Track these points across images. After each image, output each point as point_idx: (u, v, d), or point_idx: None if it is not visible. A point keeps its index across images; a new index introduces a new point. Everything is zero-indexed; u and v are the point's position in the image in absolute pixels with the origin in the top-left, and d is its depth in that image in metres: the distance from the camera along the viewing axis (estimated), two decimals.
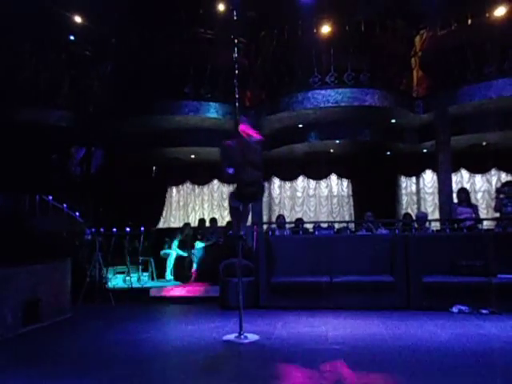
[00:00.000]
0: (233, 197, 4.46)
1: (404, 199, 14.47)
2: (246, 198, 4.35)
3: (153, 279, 8.94)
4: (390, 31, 10.99)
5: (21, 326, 4.91)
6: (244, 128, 4.33)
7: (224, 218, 13.29)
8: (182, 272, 8.87)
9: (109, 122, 11.07)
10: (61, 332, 5.11)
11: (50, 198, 10.08)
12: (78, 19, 10.24)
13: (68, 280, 5.89)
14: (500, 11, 9.74)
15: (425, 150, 12.88)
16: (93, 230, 8.13)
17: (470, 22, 10.32)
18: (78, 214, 10.08)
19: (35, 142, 10.56)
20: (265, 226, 10.45)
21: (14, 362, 3.81)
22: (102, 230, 8.23)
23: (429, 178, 14.14)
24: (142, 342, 4.37)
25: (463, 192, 7.83)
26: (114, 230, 7.93)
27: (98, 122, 10.98)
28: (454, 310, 5.44)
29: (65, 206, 10.09)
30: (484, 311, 5.31)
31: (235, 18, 5.04)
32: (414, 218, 9.27)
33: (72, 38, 10.88)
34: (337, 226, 10.22)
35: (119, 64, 11.28)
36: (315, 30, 10.76)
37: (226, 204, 14.15)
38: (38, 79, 10.31)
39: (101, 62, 11.26)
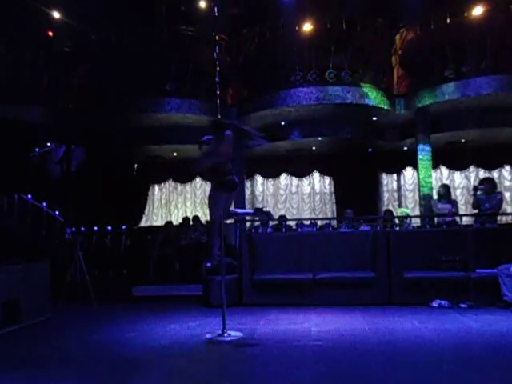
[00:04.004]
0: (213, 196, 4.50)
1: (385, 196, 14.65)
2: (229, 187, 4.42)
3: None
4: (371, 30, 11.09)
5: None
6: None
7: (207, 216, 13.25)
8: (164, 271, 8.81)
9: (89, 120, 10.92)
10: (41, 333, 5.03)
11: (29, 196, 9.91)
12: (56, 15, 10.07)
13: (48, 280, 5.79)
14: (478, 11, 9.92)
15: (405, 148, 13.04)
16: (73, 229, 8.03)
17: (448, 21, 10.47)
18: (57, 212, 9.93)
19: (13, 140, 10.37)
20: (248, 224, 10.45)
21: None
22: (82, 229, 8.13)
23: (409, 174, 14.33)
24: (125, 342, 4.33)
25: (444, 188, 7.94)
26: (96, 228, 7.84)
27: (78, 119, 10.82)
28: (435, 304, 5.53)
29: (44, 204, 9.93)
30: (463, 305, 5.42)
31: (217, 15, 5.02)
32: (394, 214, 9.38)
33: (50, 34, 10.69)
34: (319, 222, 10.29)
35: (99, 61, 11.13)
36: (297, 28, 10.79)
37: None
38: (15, 76, 10.11)
39: (81, 59, 11.09)
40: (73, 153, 11.96)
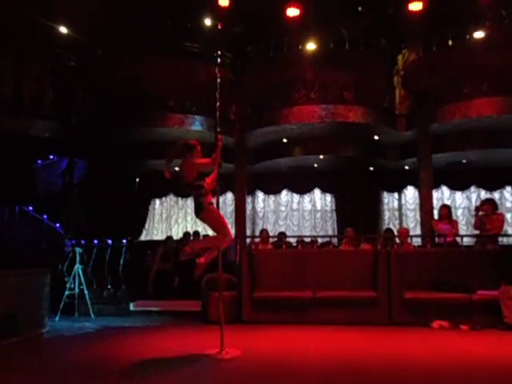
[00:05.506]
0: None
1: (386, 215, 14.63)
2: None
3: None
4: (374, 49, 11.23)
5: None
6: None
7: (207, 231, 13.23)
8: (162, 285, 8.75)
9: (92, 133, 10.99)
10: (38, 346, 4.99)
11: (30, 208, 9.92)
12: (62, 29, 10.21)
13: (46, 292, 5.76)
14: (479, 34, 10.05)
15: (406, 167, 13.08)
16: (73, 241, 8.01)
17: (450, 43, 10.61)
18: (58, 225, 9.93)
19: (16, 152, 10.42)
20: (248, 240, 10.41)
21: None
22: (82, 241, 8.11)
23: (410, 194, 14.34)
24: (121, 357, 4.29)
25: (445, 208, 7.92)
26: (96, 241, 7.82)
27: (82, 132, 10.90)
28: (435, 325, 5.48)
29: (45, 216, 9.93)
30: (464, 327, 5.36)
31: (220, 31, 5.09)
32: (395, 233, 9.34)
33: (57, 49, 10.82)
34: (320, 240, 10.25)
35: (103, 75, 11.24)
36: (300, 47, 10.92)
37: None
38: (21, 89, 10.21)
39: (85, 73, 11.20)
40: (75, 165, 12.00)
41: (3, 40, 9.87)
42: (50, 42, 10.66)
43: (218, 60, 4.89)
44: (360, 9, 11.49)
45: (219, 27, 4.89)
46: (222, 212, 4.65)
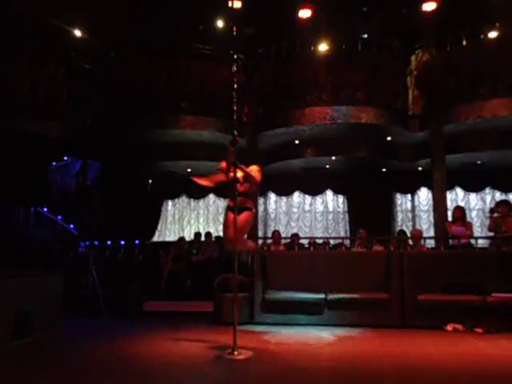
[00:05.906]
0: None
1: (399, 216, 14.51)
2: None
3: None
4: (387, 50, 11.16)
5: (10, 339, 4.83)
6: None
7: (219, 232, 13.28)
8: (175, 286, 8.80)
9: (106, 135, 11.09)
10: (51, 346, 5.04)
11: (45, 209, 10.05)
12: (77, 32, 10.33)
13: (60, 293, 5.82)
14: (493, 34, 9.94)
15: (420, 168, 12.96)
16: (87, 242, 8.10)
17: (464, 43, 10.49)
18: (72, 226, 10.05)
19: (31, 154, 10.57)
20: (260, 241, 10.42)
21: (3, 378, 3.75)
22: (96, 242, 8.21)
23: (424, 195, 14.20)
24: (134, 358, 4.32)
25: (459, 210, 7.84)
26: (109, 242, 7.90)
27: (95, 134, 11.00)
28: (449, 328, 5.42)
29: (59, 218, 10.07)
30: (478, 330, 5.29)
31: (234, 34, 5.11)
32: (408, 235, 9.28)
33: (71, 51, 10.94)
34: (332, 242, 10.21)
35: (117, 77, 11.34)
36: (313, 48, 10.90)
37: (222, 218, 14.16)
38: (36, 91, 10.35)
39: (99, 76, 11.30)
40: (89, 167, 12.13)
41: (18, 42, 10.02)
42: (65, 44, 10.80)
43: (234, 67, 4.92)
44: (371, 9, 11.43)
45: (234, 30, 4.90)
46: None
